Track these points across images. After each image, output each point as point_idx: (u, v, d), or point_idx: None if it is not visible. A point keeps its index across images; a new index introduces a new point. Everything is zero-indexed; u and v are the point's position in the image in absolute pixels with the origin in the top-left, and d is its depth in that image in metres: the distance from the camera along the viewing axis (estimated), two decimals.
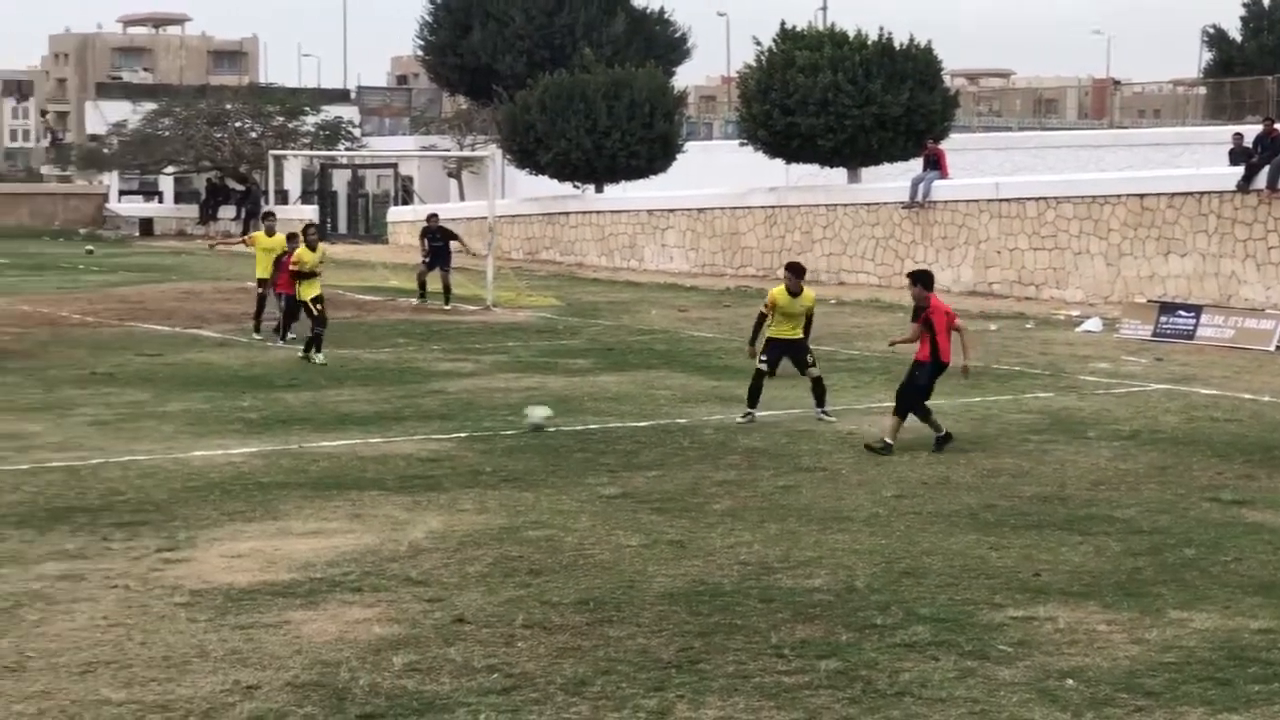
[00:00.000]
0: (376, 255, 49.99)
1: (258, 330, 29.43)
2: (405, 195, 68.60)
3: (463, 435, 18.98)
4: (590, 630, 10.85)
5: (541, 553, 13.03)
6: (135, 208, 79.89)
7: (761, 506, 15.02)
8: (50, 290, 40.38)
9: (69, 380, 23.51)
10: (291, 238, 28.33)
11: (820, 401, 20.36)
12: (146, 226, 74.40)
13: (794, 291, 20.21)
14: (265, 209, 38.93)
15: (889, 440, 17.93)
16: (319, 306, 26.12)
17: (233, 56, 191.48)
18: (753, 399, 20.22)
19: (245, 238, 34.38)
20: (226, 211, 73.03)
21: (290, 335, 28.27)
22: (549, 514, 14.57)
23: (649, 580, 12.18)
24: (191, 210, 76.07)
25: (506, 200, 54.72)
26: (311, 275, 26.45)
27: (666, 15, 72.07)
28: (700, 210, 48.33)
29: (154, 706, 9.35)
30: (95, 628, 10.89)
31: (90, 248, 61.37)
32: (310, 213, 66.81)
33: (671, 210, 49.30)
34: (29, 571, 12.38)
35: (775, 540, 13.54)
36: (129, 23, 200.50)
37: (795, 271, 20.40)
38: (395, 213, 62.93)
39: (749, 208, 46.88)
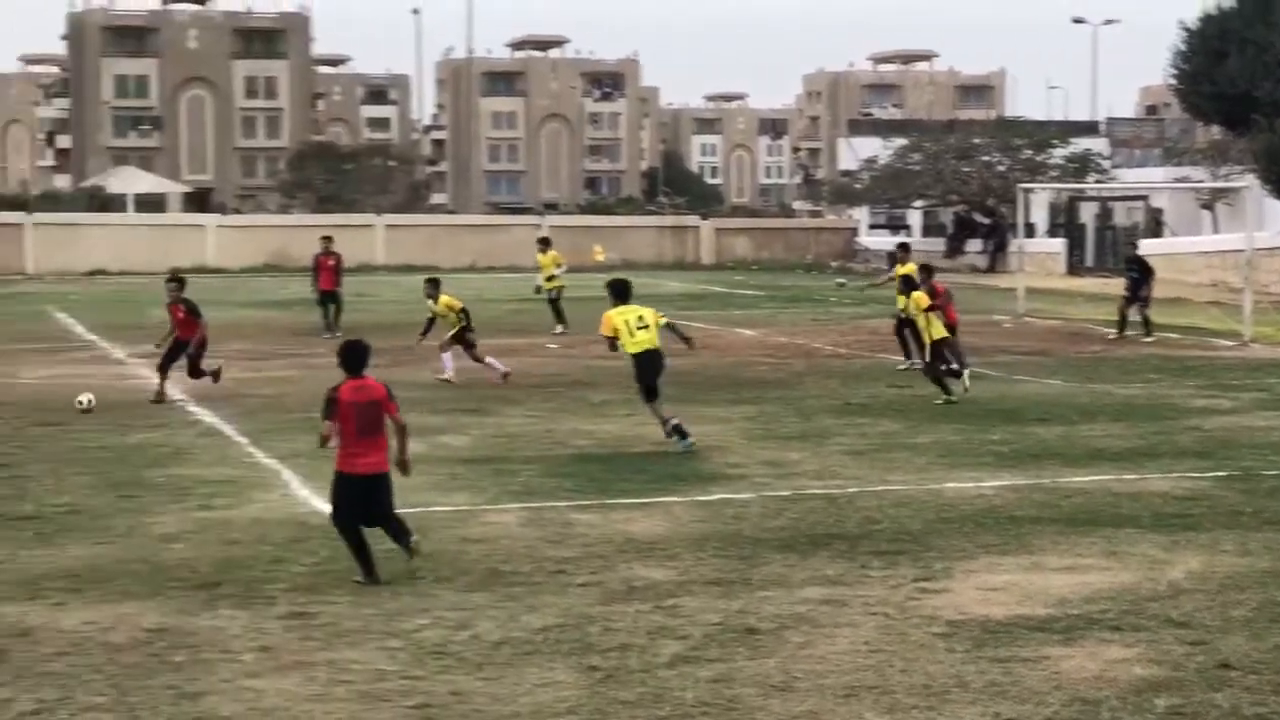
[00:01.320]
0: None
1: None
2: (1155, 228, 67.31)
3: (1221, 474, 18.41)
4: None
5: None
6: (883, 241, 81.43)
7: None
8: (804, 322, 41.62)
9: (824, 410, 24.15)
10: (924, 270, 28.27)
11: None
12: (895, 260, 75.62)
13: None
14: (901, 241, 38.79)
15: None
16: (938, 347, 25.36)
17: (979, 91, 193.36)
18: None
19: (890, 273, 34.39)
20: (973, 245, 73.61)
21: (911, 363, 28.46)
22: None
23: None
24: (938, 244, 76.97)
25: (1265, 233, 52.78)
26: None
27: None
28: None
29: None
30: (856, 653, 11.14)
31: (841, 280, 62.81)
32: (1058, 246, 66.69)
33: None
34: (793, 595, 12.79)
35: None
36: (879, 60, 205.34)
37: None
38: (1144, 246, 61.75)
39: None
